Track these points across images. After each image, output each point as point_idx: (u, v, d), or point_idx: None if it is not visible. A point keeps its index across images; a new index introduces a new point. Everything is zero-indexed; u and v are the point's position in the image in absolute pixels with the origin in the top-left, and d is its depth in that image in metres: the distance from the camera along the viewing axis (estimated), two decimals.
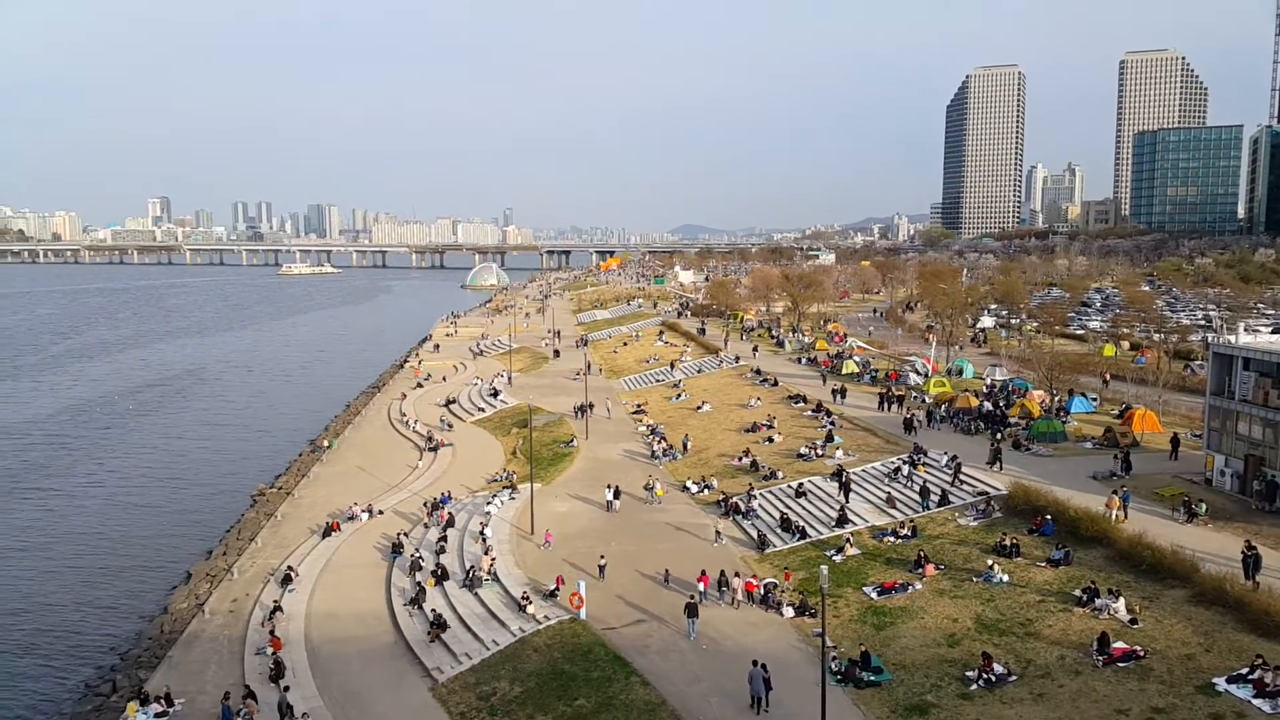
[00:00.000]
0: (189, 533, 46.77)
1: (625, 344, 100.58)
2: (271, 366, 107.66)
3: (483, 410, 69.56)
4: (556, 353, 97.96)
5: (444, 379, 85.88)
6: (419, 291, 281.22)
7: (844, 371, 68.47)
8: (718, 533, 38.53)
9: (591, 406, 62.60)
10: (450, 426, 63.36)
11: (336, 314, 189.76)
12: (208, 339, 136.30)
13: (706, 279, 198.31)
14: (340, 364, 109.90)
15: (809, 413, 56.70)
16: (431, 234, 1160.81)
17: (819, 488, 42.59)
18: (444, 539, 40.51)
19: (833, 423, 53.12)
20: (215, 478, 57.47)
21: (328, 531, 42.55)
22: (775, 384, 66.01)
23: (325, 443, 61.57)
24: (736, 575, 33.55)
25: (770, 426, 54.88)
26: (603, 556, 36.21)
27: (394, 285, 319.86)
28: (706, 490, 45.49)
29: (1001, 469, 40.55)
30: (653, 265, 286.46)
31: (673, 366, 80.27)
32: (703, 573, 34.09)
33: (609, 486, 44.84)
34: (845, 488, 41.26)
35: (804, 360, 77.13)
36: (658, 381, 76.99)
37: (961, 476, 40.04)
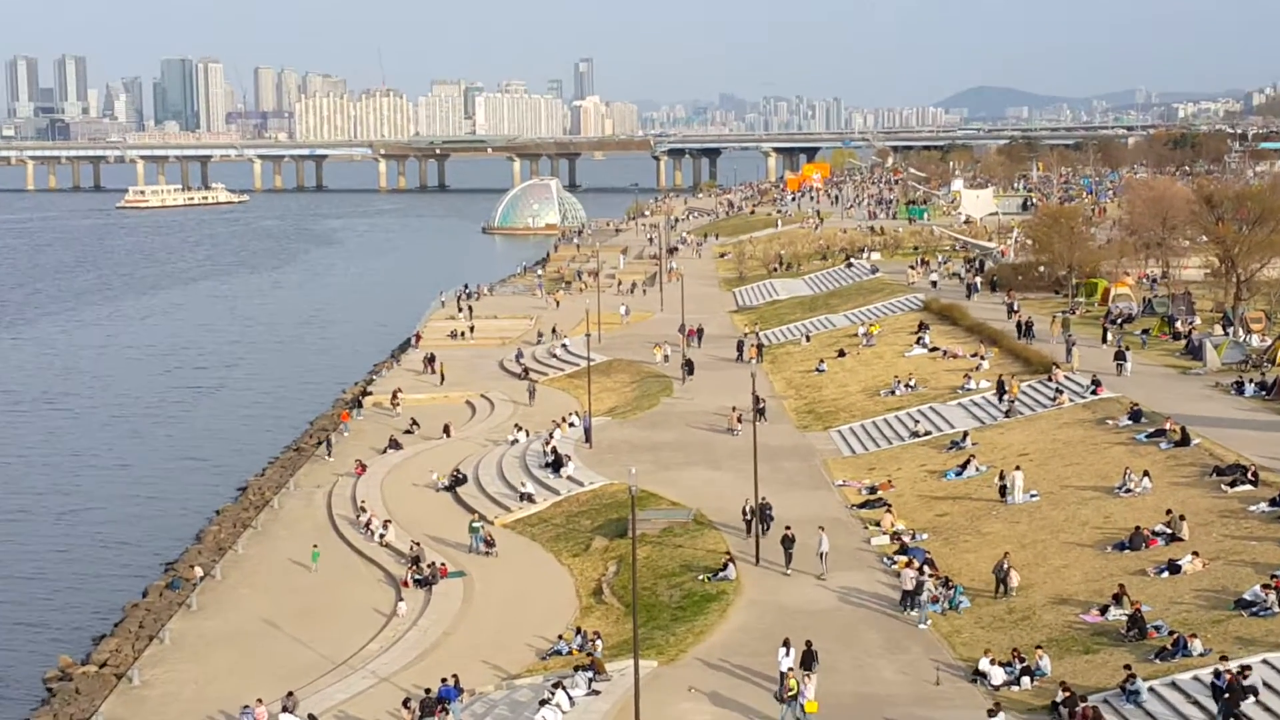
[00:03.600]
0: None
1: (842, 353, 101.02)
2: (95, 404, 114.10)
3: (530, 499, 70.87)
4: (688, 368, 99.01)
5: (446, 431, 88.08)
6: (393, 239, 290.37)
7: None
8: None
9: (789, 534, 58.74)
10: (486, 541, 64.47)
11: (225, 289, 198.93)
12: None
13: (1025, 206, 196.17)
14: (229, 399, 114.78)
15: (1260, 507, 55.17)
16: (420, 119, 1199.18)
17: None
18: None
19: None
20: None
21: None
22: (1183, 442, 64.59)
23: (196, 570, 64.01)
24: None
25: (1173, 537, 53.67)
26: None
27: (342, 226, 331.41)
28: (1027, 679, 44.93)
29: None
30: (903, 176, 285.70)
31: (1003, 396, 79.29)
32: None
33: (787, 648, 45.01)
34: None
35: (1247, 387, 75.27)
36: (914, 435, 76.67)
37: None
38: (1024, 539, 57.04)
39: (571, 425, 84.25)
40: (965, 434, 73.30)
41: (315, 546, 64.23)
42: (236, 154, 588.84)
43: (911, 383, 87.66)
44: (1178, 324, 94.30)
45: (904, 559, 56.15)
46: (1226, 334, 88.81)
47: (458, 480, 75.29)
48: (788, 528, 57.80)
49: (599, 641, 50.50)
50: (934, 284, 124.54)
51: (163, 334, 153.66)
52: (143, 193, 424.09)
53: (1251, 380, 76.24)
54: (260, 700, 46.74)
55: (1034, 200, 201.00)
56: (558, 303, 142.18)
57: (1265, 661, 42.36)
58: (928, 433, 76.65)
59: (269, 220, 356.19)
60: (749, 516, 60.82)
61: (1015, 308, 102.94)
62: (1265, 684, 41.22)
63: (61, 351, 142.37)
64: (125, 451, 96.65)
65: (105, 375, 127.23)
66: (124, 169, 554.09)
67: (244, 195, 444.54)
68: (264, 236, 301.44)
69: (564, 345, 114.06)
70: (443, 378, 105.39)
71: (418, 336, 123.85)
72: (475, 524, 65.99)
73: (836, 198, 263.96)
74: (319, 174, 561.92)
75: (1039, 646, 46.31)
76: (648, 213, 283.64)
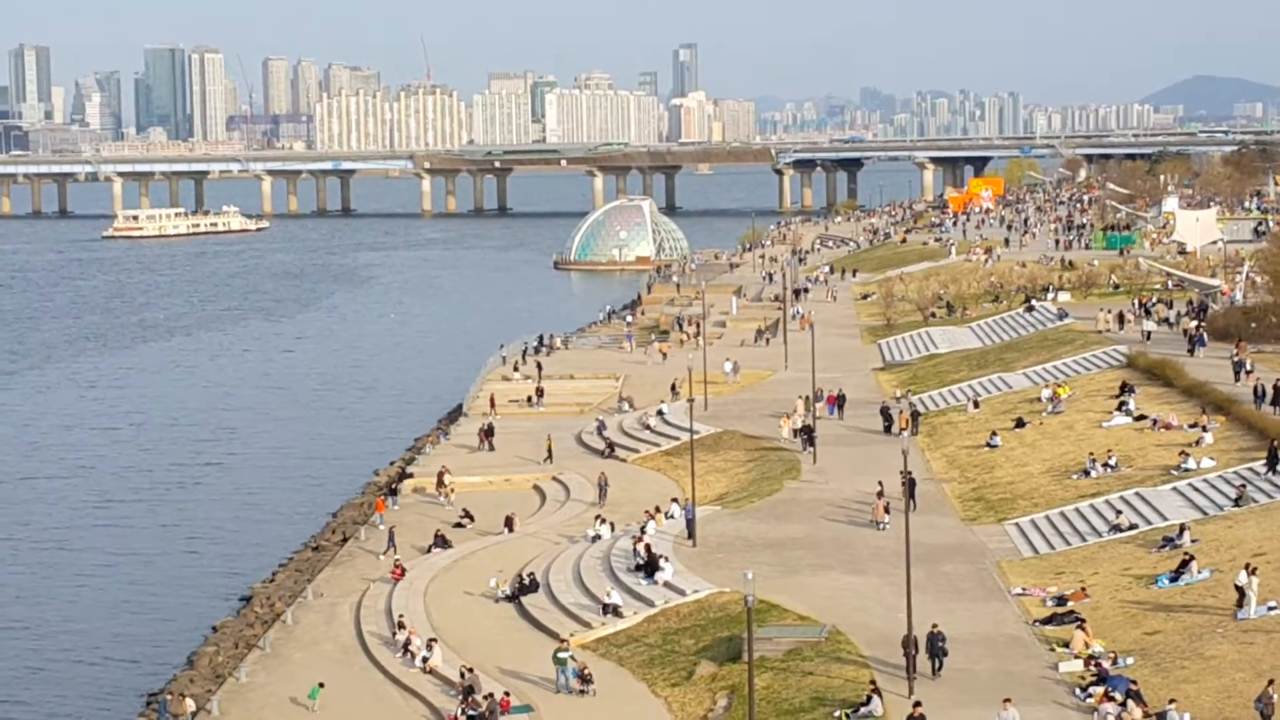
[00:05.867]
0: None
1: (1021, 422, 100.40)
2: (64, 489, 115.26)
3: (617, 612, 70.46)
4: (807, 438, 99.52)
5: (508, 524, 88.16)
6: (440, 277, 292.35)
7: None
8: None
9: (917, 715, 56.86)
10: (580, 676, 63.08)
11: (228, 342, 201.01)
12: None
13: (1259, 231, 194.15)
14: (231, 483, 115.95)
15: None
16: (475, 123, 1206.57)
17: None
18: None
19: None
20: None
21: None
22: None
23: (186, 703, 64.06)
24: None
25: None
26: None
27: (376, 261, 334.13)
28: None
29: None
30: (1100, 194, 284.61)
31: (1277, 467, 78.39)
32: None
33: None
34: None
35: None
36: (1116, 530, 75.99)
37: None
38: (1260, 664, 56.27)
39: (669, 517, 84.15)
40: (1182, 528, 72.45)
41: (320, 685, 62.74)
42: (240, 169, 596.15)
43: (1112, 461, 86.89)
44: None
45: (1101, 690, 55.64)
46: None
47: (523, 588, 75.17)
48: (916, 705, 53.02)
49: None
50: (1148, 335, 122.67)
51: (149, 399, 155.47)
52: (135, 218, 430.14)
53: None
54: None
55: (1271, 224, 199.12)
56: (664, 355, 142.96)
57: None
58: (1133, 526, 75.91)
59: (283, 253, 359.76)
60: (914, 649, 58.26)
61: (1248, 366, 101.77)
62: None
63: (23, 422, 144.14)
64: (100, 549, 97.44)
65: (78, 452, 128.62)
66: (96, 189, 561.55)
67: (262, 221, 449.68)
68: (277, 274, 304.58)
69: (660, 414, 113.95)
70: (550, 454, 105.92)
71: (491, 401, 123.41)
72: (563, 652, 63.94)
73: (1013, 222, 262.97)
74: (346, 193, 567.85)
75: None
76: (768, 242, 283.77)
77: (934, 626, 59.22)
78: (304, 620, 74.11)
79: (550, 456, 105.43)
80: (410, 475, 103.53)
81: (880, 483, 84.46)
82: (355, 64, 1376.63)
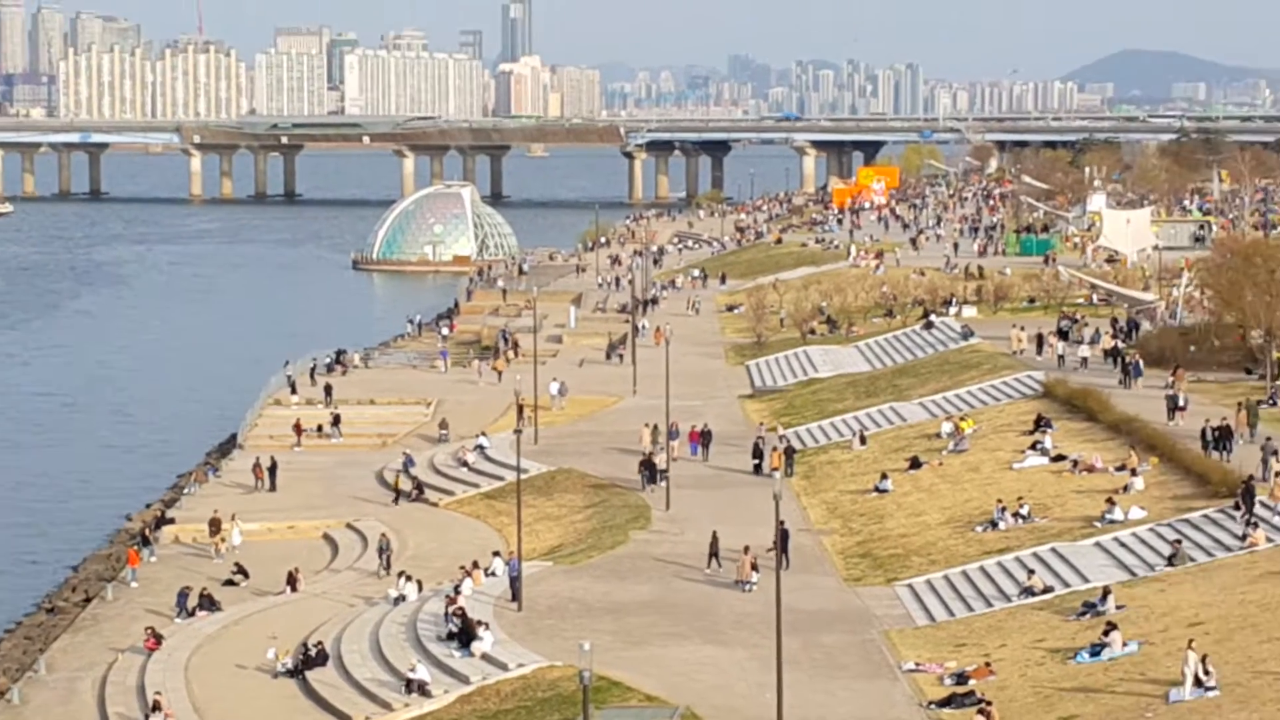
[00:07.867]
0: None
1: (917, 462, 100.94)
2: None
3: (423, 690, 70.30)
4: (648, 474, 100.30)
5: (290, 581, 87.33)
6: (213, 277, 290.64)
7: None
8: None
9: None
10: None
11: None
12: None
13: (1200, 237, 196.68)
14: None
15: None
16: (257, 89, 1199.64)
17: None
18: None
19: None
20: None
21: None
22: None
23: None
24: None
25: None
26: None
27: (133, 257, 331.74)
28: None
29: None
30: (1014, 188, 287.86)
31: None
32: None
33: None
34: None
35: None
36: (1028, 593, 76.61)
37: None
38: None
39: (490, 574, 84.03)
40: (1106, 591, 72.96)
41: None
42: None
43: (1024, 510, 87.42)
44: None
45: None
46: None
47: (309, 660, 74.59)
48: None
49: None
50: (1083, 361, 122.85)
51: None
52: None
53: None
54: None
55: (1213, 227, 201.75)
56: (499, 373, 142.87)
57: None
58: (1048, 589, 76.47)
59: (16, 244, 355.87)
60: None
61: (1181, 401, 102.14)
62: None
63: None
64: None
65: None
66: None
67: (5, 205, 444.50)
68: (9, 270, 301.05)
69: (480, 448, 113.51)
70: (398, 495, 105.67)
71: (297, 428, 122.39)
72: None
73: (910, 221, 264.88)
74: (95, 172, 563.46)
75: None
76: (618, 240, 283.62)
77: None
78: (34, 699, 72.98)
79: (398, 498, 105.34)
80: (170, 520, 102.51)
81: (714, 532, 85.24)
82: (109, 13, 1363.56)
